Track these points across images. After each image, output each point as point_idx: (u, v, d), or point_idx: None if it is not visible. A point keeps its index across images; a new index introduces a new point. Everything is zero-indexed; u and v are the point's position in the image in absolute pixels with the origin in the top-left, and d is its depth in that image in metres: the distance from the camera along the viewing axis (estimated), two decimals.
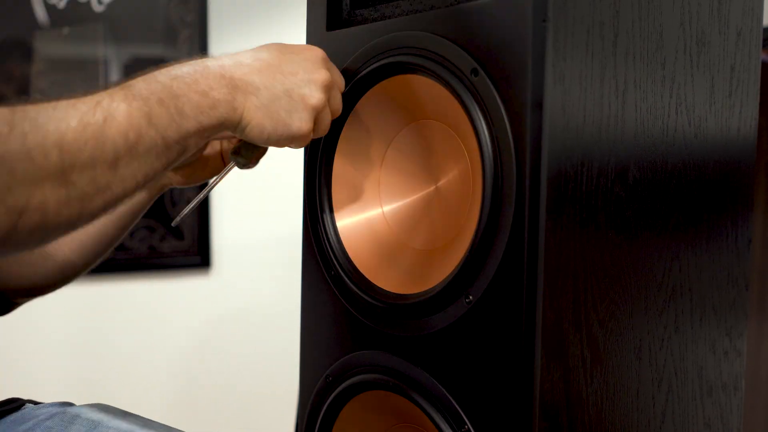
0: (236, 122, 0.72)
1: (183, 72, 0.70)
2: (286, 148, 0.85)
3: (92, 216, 0.65)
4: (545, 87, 0.68)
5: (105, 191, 0.64)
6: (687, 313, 0.84)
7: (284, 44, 0.78)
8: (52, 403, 0.90)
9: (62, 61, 2.02)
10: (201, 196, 0.80)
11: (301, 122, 0.75)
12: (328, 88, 0.77)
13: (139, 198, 0.98)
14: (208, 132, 0.71)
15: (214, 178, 0.79)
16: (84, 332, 1.99)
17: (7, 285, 0.98)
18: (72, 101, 0.64)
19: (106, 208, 0.66)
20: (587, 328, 0.73)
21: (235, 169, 0.82)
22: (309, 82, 0.75)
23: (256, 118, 0.73)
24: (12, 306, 1.02)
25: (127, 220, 1.00)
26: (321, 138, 0.85)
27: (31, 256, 0.96)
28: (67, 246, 0.98)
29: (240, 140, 0.79)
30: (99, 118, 0.64)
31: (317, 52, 0.78)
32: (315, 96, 0.75)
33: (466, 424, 0.74)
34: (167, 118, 0.68)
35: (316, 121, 0.77)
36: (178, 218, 0.78)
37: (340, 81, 0.82)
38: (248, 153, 0.79)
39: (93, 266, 1.02)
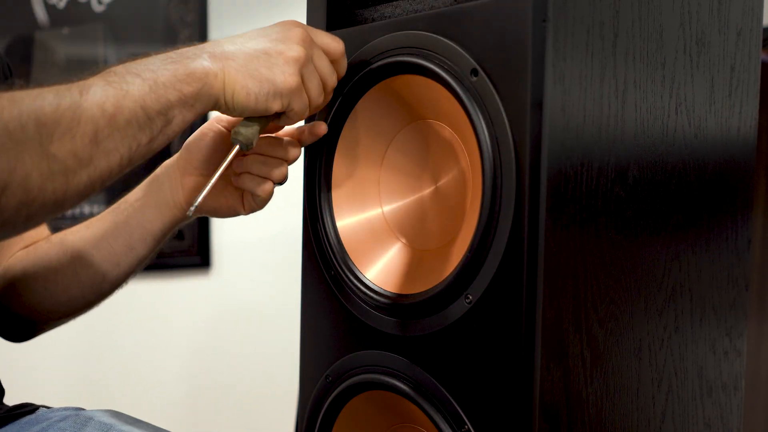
0: (219, 89, 0.72)
1: (159, 53, 0.71)
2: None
3: (79, 193, 0.65)
4: (545, 87, 0.68)
5: (88, 165, 0.64)
6: (687, 313, 0.84)
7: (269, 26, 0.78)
8: (65, 407, 0.91)
9: (62, 61, 2.02)
10: (210, 183, 0.78)
11: (285, 75, 0.73)
12: (306, 43, 0.76)
13: (155, 227, 0.91)
14: (192, 101, 0.70)
15: (222, 164, 0.79)
16: (84, 332, 1.99)
17: (37, 309, 0.96)
18: (52, 87, 0.64)
19: (93, 185, 0.66)
20: (587, 328, 0.73)
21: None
22: (285, 39, 0.75)
23: (239, 81, 0.72)
24: (37, 332, 1.00)
25: (142, 251, 0.93)
26: (321, 137, 0.85)
27: (64, 277, 0.94)
28: (102, 257, 0.94)
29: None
30: (75, 92, 0.64)
31: (290, 20, 0.78)
32: (293, 48, 0.74)
33: (466, 424, 0.74)
34: (145, 89, 0.67)
35: (304, 78, 0.75)
36: (192, 208, 0.77)
37: (329, 43, 0.79)
38: (248, 129, 0.77)
39: (124, 284, 0.97)
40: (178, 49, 0.73)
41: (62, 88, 0.64)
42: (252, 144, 0.78)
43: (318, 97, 0.78)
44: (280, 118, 0.78)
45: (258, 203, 0.87)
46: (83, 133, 0.64)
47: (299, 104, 0.76)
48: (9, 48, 2.03)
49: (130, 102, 0.66)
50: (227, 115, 0.80)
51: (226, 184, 0.88)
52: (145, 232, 0.92)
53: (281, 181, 0.86)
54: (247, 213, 0.90)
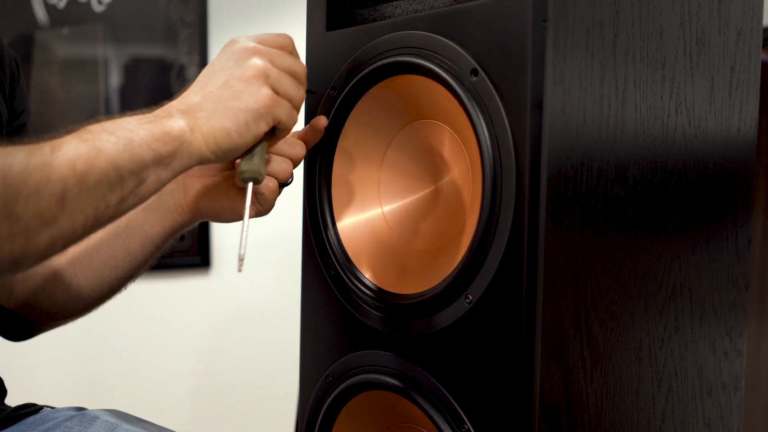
0: (200, 144, 0.70)
1: (135, 114, 0.69)
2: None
3: (39, 254, 0.63)
4: (545, 87, 0.68)
5: (51, 225, 0.62)
6: (687, 313, 0.84)
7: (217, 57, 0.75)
8: (68, 407, 0.91)
9: (62, 61, 2.02)
10: (244, 230, 0.77)
11: (254, 95, 0.71)
12: (258, 51, 0.72)
13: (155, 231, 0.90)
14: (169, 160, 0.68)
15: (245, 207, 0.76)
16: (84, 332, 1.99)
17: (35, 310, 0.95)
18: (25, 145, 0.63)
19: (54, 245, 0.64)
20: (587, 328, 0.73)
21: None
22: (236, 61, 0.72)
23: (215, 125, 0.70)
24: (36, 332, 0.99)
25: (140, 256, 0.92)
26: (322, 138, 0.85)
27: (63, 279, 0.93)
28: (101, 261, 0.93)
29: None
30: (46, 150, 0.63)
31: (231, 39, 0.75)
32: (248, 66, 0.71)
33: (466, 424, 0.74)
34: (118, 147, 0.65)
35: (275, 86, 0.72)
36: (240, 263, 0.76)
37: (282, 43, 0.76)
38: (250, 163, 0.75)
39: (123, 288, 0.97)
40: (152, 110, 0.71)
41: (34, 147, 0.62)
42: (262, 174, 0.75)
43: (297, 93, 0.75)
44: (274, 135, 0.76)
45: (262, 203, 0.84)
46: (51, 192, 0.61)
47: (284, 113, 0.74)
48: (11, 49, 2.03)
49: (102, 161, 0.64)
50: (221, 162, 0.77)
51: (229, 186, 0.86)
52: (144, 236, 0.91)
53: (285, 180, 0.83)
54: (251, 217, 0.88)
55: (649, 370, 0.80)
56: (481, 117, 0.71)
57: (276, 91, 0.73)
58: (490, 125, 0.71)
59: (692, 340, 0.85)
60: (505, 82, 0.70)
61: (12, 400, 0.95)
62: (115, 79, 2.06)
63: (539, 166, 0.68)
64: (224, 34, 2.11)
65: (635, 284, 0.77)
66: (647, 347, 0.80)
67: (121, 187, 0.66)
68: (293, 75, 0.75)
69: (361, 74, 0.82)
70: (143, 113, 0.70)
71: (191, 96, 0.71)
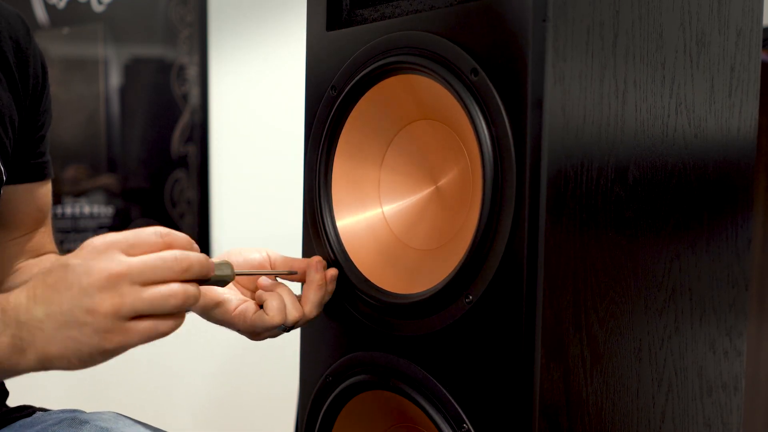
0: (30, 363, 0.64)
1: None
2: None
3: None
4: (545, 87, 0.68)
5: None
6: (687, 312, 0.84)
7: (77, 254, 0.64)
8: (63, 409, 0.90)
9: (62, 61, 2.02)
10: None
11: (99, 334, 0.62)
12: (116, 281, 0.62)
13: None
14: None
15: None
16: None
17: None
18: None
19: None
20: (587, 327, 0.73)
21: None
22: (87, 289, 0.62)
23: (53, 352, 0.63)
24: None
25: None
26: (322, 137, 0.85)
27: None
28: None
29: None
30: None
31: (94, 248, 0.63)
32: (102, 303, 0.61)
33: (466, 424, 0.74)
34: None
35: (140, 315, 0.63)
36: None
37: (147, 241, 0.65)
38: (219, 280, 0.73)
39: None
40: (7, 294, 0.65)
41: None
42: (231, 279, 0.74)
43: (180, 305, 0.66)
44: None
45: (258, 321, 0.84)
46: None
47: (140, 340, 0.64)
48: None
49: None
50: None
51: (246, 290, 0.86)
52: None
53: (287, 322, 0.82)
54: (241, 327, 0.87)
55: (649, 370, 0.80)
56: (481, 117, 0.71)
57: (143, 314, 0.64)
58: (490, 125, 0.71)
59: (692, 340, 0.85)
60: (505, 81, 0.70)
61: (16, 401, 0.94)
62: (115, 79, 2.06)
63: (539, 165, 0.69)
64: (224, 34, 2.11)
65: (635, 284, 0.77)
66: (647, 347, 0.80)
67: None
68: (159, 304, 0.65)
69: (361, 74, 0.82)
70: None
71: (36, 308, 0.63)
